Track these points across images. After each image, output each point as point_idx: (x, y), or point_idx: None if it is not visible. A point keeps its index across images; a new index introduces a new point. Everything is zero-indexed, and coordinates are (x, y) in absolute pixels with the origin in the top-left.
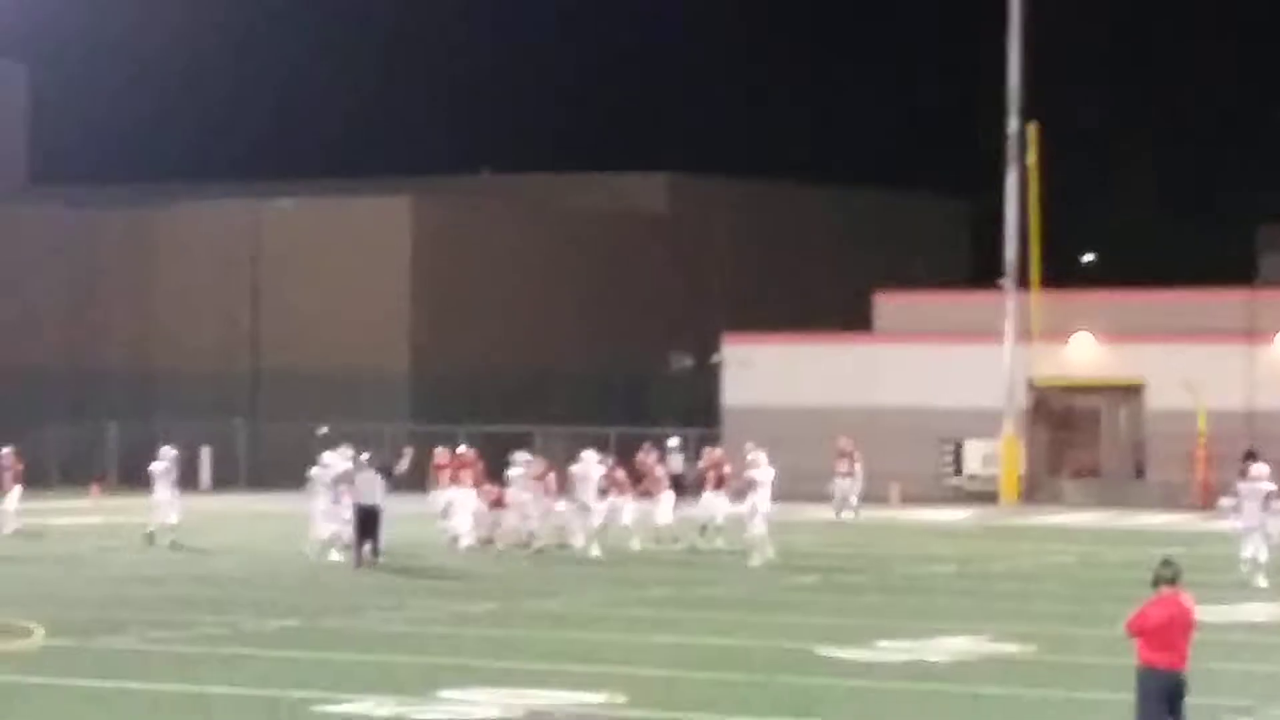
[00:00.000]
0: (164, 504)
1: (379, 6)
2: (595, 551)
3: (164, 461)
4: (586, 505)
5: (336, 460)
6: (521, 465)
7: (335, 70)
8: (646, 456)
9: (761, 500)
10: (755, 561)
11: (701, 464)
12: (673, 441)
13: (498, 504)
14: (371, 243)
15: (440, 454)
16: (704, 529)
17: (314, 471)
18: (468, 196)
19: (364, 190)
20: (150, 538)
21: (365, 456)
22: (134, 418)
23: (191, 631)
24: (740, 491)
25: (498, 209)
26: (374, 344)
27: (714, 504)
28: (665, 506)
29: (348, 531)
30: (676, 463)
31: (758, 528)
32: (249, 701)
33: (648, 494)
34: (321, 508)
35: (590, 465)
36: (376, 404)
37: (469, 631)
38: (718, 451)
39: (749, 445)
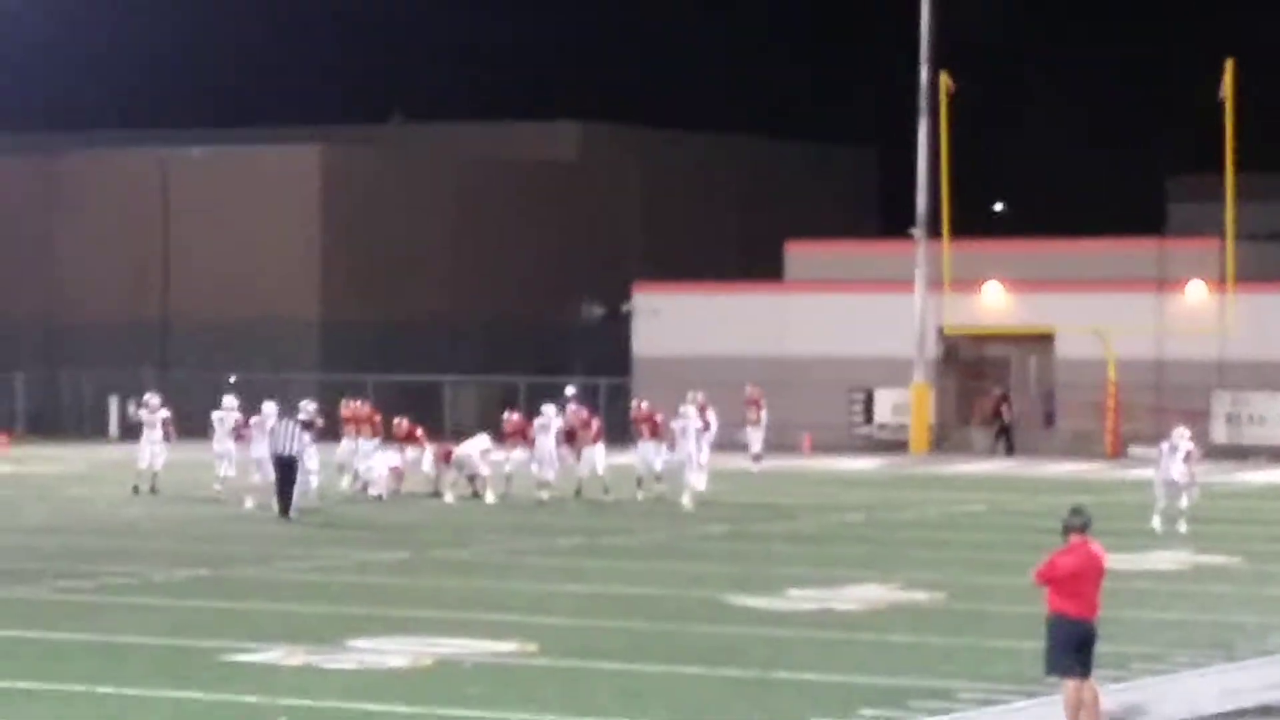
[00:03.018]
0: (221, 455)
1: None
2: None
3: (223, 411)
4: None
5: (271, 410)
6: (549, 417)
7: (244, 16)
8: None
9: (683, 449)
10: (687, 506)
11: (633, 415)
12: (569, 390)
13: (447, 458)
14: (280, 191)
15: (345, 406)
16: (640, 480)
17: (252, 420)
18: (377, 144)
19: (273, 138)
20: (218, 492)
21: (286, 408)
22: (41, 368)
23: (99, 581)
24: (670, 442)
25: (408, 157)
26: (283, 293)
27: (649, 454)
28: (599, 457)
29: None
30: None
31: (685, 475)
32: (158, 651)
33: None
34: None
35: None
36: (286, 353)
37: (379, 580)
38: (645, 403)
39: (690, 395)
